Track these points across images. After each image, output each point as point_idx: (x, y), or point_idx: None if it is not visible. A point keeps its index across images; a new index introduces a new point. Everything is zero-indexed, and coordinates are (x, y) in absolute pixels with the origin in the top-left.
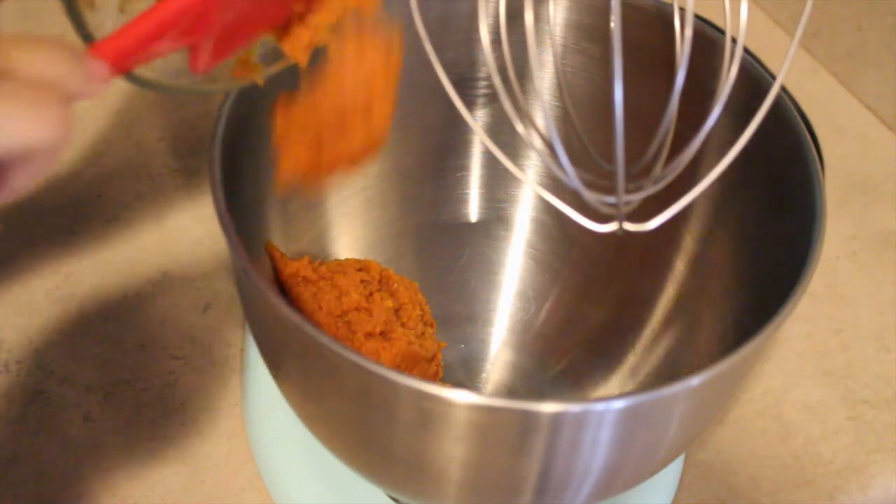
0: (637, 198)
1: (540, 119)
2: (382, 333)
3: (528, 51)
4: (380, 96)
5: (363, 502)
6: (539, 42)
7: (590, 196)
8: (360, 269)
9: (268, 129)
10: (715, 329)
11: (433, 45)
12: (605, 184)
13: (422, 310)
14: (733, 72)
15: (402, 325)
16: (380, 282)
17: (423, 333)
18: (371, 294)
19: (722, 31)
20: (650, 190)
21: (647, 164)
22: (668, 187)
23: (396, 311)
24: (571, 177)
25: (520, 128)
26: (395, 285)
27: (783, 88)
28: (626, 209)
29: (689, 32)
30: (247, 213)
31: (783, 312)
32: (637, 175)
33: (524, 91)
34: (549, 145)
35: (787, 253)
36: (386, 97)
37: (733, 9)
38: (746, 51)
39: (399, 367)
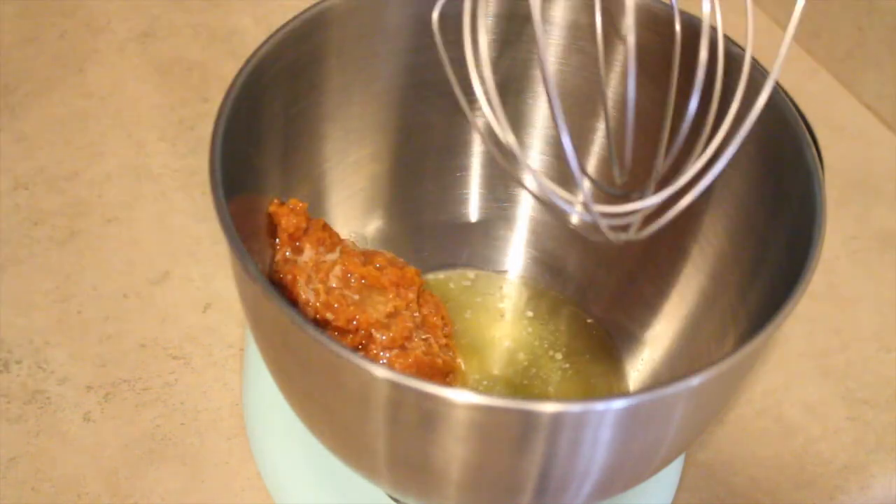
0: (630, 210)
1: (536, 139)
2: (401, 346)
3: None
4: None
5: (363, 502)
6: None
7: (576, 222)
8: (396, 283)
9: (268, 132)
10: (715, 329)
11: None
12: (609, 190)
13: (443, 321)
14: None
15: (424, 339)
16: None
17: (445, 345)
18: (397, 310)
19: (737, 45)
20: (649, 201)
21: (647, 170)
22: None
23: (418, 326)
24: (559, 202)
25: (518, 164)
26: (420, 299)
27: (783, 90)
28: (619, 222)
29: (677, 45)
30: (247, 213)
31: (783, 312)
32: (639, 180)
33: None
34: (540, 174)
35: (787, 253)
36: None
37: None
38: (730, 39)
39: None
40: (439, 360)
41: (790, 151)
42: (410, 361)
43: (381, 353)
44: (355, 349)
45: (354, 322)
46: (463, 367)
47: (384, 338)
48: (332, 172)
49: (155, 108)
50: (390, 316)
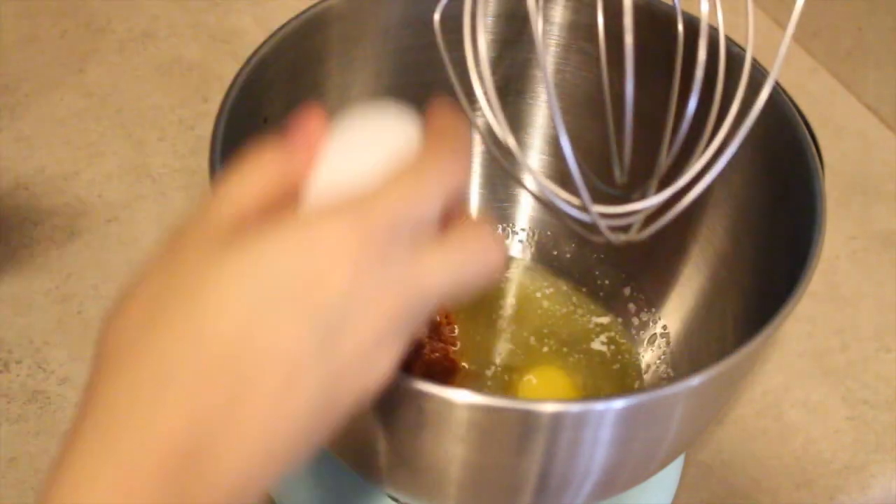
0: (631, 210)
1: (536, 139)
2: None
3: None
4: None
5: (363, 502)
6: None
7: (575, 224)
8: None
9: (268, 133)
10: (715, 329)
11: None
12: (609, 190)
13: (447, 321)
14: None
15: (430, 338)
16: None
17: (449, 344)
18: None
19: (739, 46)
20: (650, 202)
21: (648, 171)
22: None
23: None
24: (559, 203)
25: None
26: None
27: (783, 90)
28: (619, 222)
29: (679, 45)
30: None
31: (783, 312)
32: (639, 180)
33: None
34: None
35: (787, 253)
36: None
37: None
38: (730, 39)
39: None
40: (445, 360)
41: (790, 151)
42: (419, 361)
43: None
44: None
45: None
46: (467, 366)
47: None
48: None
49: (155, 108)
50: None
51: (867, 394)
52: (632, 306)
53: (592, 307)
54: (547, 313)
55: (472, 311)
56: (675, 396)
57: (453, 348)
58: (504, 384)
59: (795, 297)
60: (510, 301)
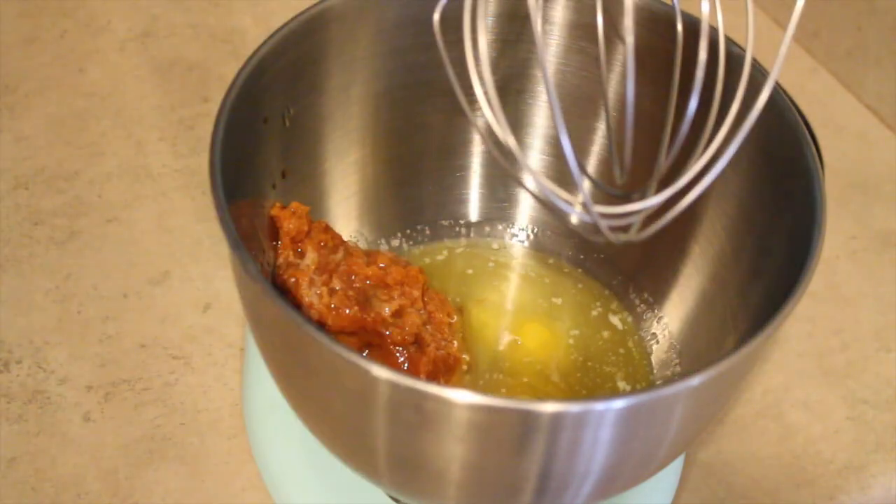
0: (631, 210)
1: (536, 139)
2: (413, 343)
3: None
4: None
5: (363, 502)
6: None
7: (576, 223)
8: (401, 281)
9: (268, 132)
10: (715, 329)
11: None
12: (609, 190)
13: (449, 317)
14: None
15: (431, 335)
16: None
17: (451, 341)
18: (402, 308)
19: (737, 45)
20: (650, 202)
21: (648, 171)
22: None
23: (425, 323)
24: (559, 203)
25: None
26: (426, 296)
27: (783, 91)
28: (619, 222)
29: (679, 45)
30: (247, 213)
31: (783, 312)
32: (639, 180)
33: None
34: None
35: (787, 253)
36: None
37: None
38: (730, 39)
39: (429, 376)
40: (448, 358)
41: (790, 151)
42: (424, 359)
43: (397, 352)
44: (364, 348)
45: (359, 323)
46: (468, 358)
47: (394, 336)
48: (332, 172)
49: (155, 108)
50: (396, 314)
51: (867, 394)
52: (628, 307)
53: (592, 308)
54: (546, 313)
55: (473, 310)
56: (675, 396)
57: (455, 345)
58: (504, 382)
59: (795, 297)
60: (510, 301)
